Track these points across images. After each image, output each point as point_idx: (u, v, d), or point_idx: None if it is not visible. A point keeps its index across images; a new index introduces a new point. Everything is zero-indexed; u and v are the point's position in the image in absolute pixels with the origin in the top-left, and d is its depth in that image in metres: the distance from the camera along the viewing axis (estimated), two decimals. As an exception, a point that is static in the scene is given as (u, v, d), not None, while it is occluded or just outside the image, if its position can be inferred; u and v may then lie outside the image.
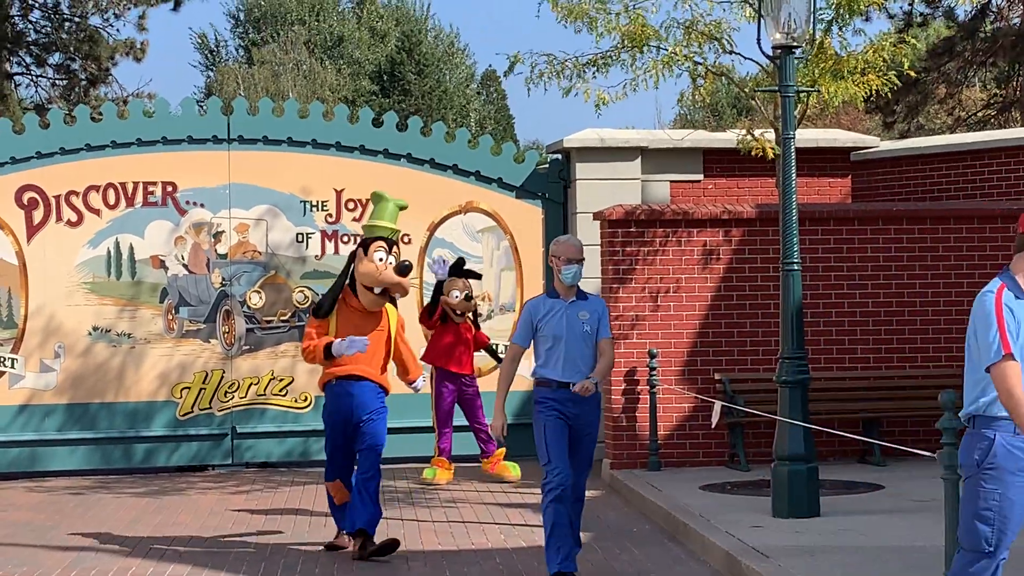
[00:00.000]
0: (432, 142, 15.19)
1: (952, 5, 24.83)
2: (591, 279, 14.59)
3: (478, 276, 13.84)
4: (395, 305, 10.09)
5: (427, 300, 13.91)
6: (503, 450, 13.14)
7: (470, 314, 13.50)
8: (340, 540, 9.95)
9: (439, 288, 13.45)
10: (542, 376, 8.70)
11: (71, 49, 30.84)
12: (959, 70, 25.77)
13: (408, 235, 14.82)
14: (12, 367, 14.41)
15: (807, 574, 8.12)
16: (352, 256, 10.04)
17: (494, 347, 13.81)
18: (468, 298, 13.26)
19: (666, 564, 9.38)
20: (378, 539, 9.71)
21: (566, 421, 8.59)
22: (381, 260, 9.74)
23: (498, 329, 14.71)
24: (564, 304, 8.74)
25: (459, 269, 13.46)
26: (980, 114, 27.53)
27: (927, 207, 14.03)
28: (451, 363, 13.20)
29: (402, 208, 10.24)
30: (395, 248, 9.96)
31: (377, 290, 9.77)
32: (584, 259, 8.86)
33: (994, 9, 25.11)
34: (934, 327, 13.47)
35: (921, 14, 25.31)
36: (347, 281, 9.97)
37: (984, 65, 26.11)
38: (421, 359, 12.57)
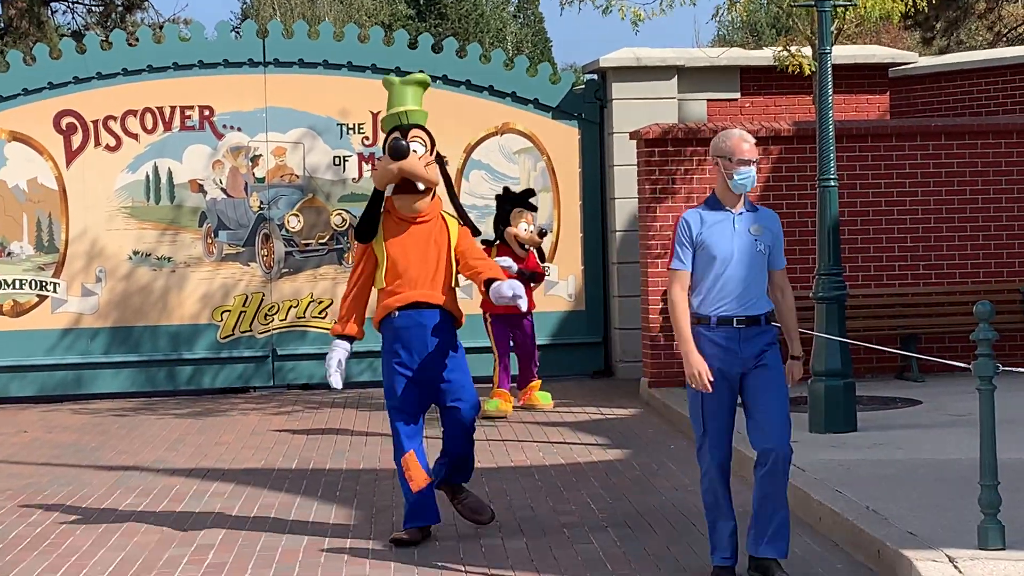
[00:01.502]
0: (468, 64, 15.14)
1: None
2: (629, 199, 14.62)
3: (535, 208, 13.03)
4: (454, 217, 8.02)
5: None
6: (538, 381, 12.90)
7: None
8: (411, 535, 7.73)
9: (502, 219, 12.65)
10: (697, 311, 6.77)
11: (107, -26, 30.79)
12: (1000, -16, 25.43)
13: (445, 156, 14.75)
14: (55, 291, 14.54)
15: (842, 487, 8.15)
16: None
17: (539, 277, 12.89)
18: (542, 233, 13.00)
19: (703, 479, 9.42)
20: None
21: (731, 372, 6.76)
22: None
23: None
24: (731, 215, 6.78)
25: (525, 200, 12.77)
26: (1020, 29, 27.18)
27: (966, 123, 13.92)
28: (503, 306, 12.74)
29: (421, 85, 8.02)
30: (417, 130, 7.80)
31: (389, 189, 7.72)
32: (759, 159, 6.98)
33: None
34: (972, 243, 13.40)
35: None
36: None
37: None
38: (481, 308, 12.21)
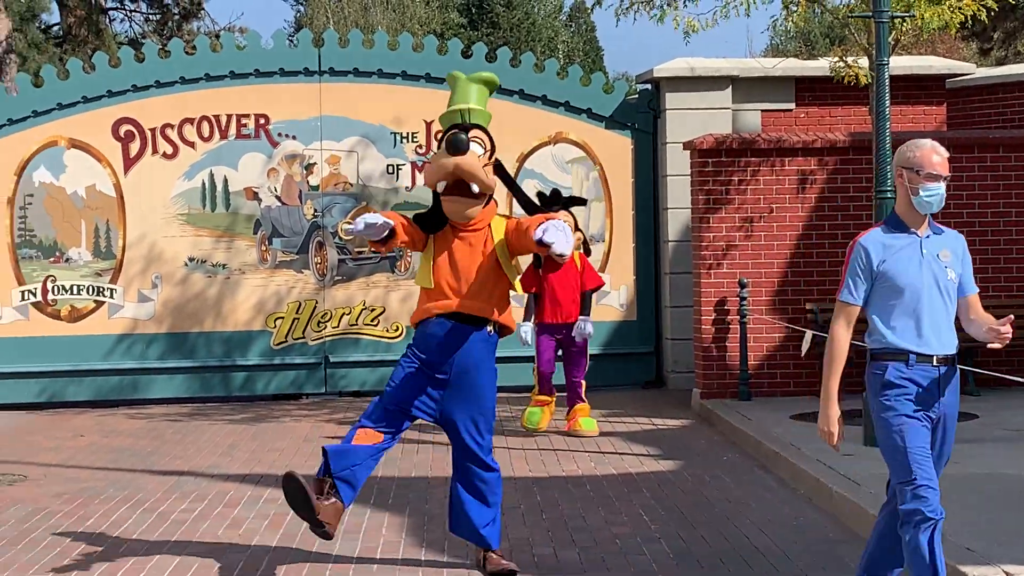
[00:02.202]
0: (521, 73, 15.16)
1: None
2: (682, 209, 14.59)
3: (583, 202, 12.43)
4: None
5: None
6: (584, 406, 11.86)
7: (579, 250, 11.95)
8: (325, 511, 6.94)
9: None
10: (891, 345, 5.99)
11: (164, -17, 31.03)
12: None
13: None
14: (111, 297, 14.66)
15: (898, 501, 8.10)
16: None
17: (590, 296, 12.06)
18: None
19: (757, 492, 9.39)
20: None
21: (929, 415, 5.99)
22: None
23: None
24: (917, 239, 5.96)
25: (557, 200, 11.43)
26: (1079, 40, 26.94)
27: (1024, 134, 13.81)
28: (550, 313, 11.72)
29: (487, 84, 7.32)
30: (476, 130, 7.07)
31: (440, 187, 6.95)
32: (949, 176, 6.08)
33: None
34: (1030, 255, 13.32)
35: (1019, -63, 24.78)
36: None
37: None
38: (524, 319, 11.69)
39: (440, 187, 6.92)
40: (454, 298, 6.96)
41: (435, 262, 7.02)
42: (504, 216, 7.29)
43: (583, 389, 11.93)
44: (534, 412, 11.88)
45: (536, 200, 10.61)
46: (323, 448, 7.09)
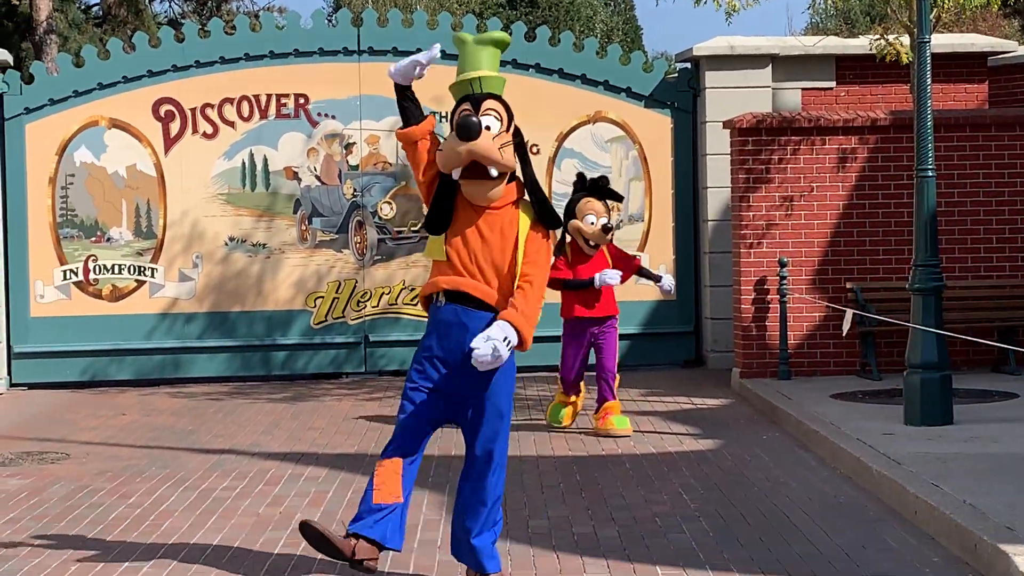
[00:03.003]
0: (560, 52, 15.15)
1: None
2: (721, 188, 14.57)
3: (620, 198, 11.77)
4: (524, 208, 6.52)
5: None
6: (615, 403, 10.94)
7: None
8: (362, 550, 6.44)
9: (569, 209, 10.83)
10: None
11: (203, -36, 31.14)
12: (1102, -28, 25.01)
13: (536, 145, 14.78)
14: (152, 276, 14.74)
15: (938, 480, 8.08)
16: None
17: (645, 270, 11.63)
18: (606, 229, 10.80)
19: (797, 471, 9.38)
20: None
21: None
22: None
23: (626, 240, 14.69)
24: None
25: (597, 187, 10.88)
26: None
27: (1067, 113, 13.71)
28: (580, 307, 10.92)
29: (498, 44, 6.60)
30: (491, 102, 6.45)
31: (456, 173, 6.34)
32: None
33: None
34: (1072, 235, 13.24)
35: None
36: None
37: None
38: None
39: (456, 174, 6.35)
40: (465, 276, 6.37)
41: (451, 236, 6.40)
42: (530, 210, 6.49)
43: (616, 383, 10.99)
44: (557, 407, 11.32)
45: (572, 185, 10.77)
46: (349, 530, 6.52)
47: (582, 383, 11.25)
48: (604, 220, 10.75)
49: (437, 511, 8.33)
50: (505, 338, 6.12)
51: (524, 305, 6.28)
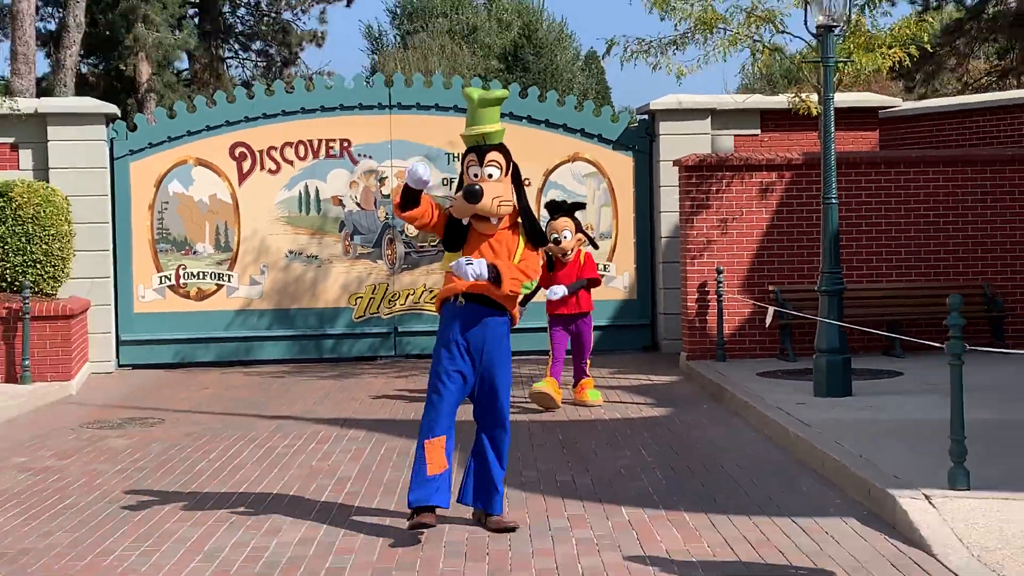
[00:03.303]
0: (546, 107, 15.14)
1: (962, -8, 24.13)
2: (672, 212, 14.55)
3: (582, 205, 10.92)
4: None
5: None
6: (589, 380, 10.80)
7: (584, 248, 10.70)
8: (423, 517, 6.30)
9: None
10: None
11: (268, 38, 31.13)
12: (967, 45, 25.03)
13: (528, 179, 14.76)
14: (229, 281, 14.73)
15: (840, 439, 8.09)
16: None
17: (595, 282, 10.76)
18: (556, 241, 10.33)
19: (731, 433, 9.38)
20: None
21: None
22: (476, 176, 6.38)
23: (597, 253, 14.66)
24: None
25: (557, 208, 10.55)
26: (983, 80, 26.71)
27: (940, 154, 13.70)
28: (561, 307, 10.61)
29: (498, 102, 6.48)
30: (493, 154, 6.40)
31: (466, 220, 6.41)
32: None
33: (996, -5, 24.41)
34: (944, 248, 13.22)
35: (936, 0, 24.66)
36: None
37: (987, 41, 25.39)
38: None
39: (466, 220, 6.38)
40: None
41: (467, 252, 6.37)
42: (523, 231, 6.50)
43: (588, 367, 10.79)
44: (541, 386, 10.61)
45: (548, 211, 10.49)
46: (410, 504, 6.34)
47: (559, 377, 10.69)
48: (557, 235, 10.35)
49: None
50: (470, 263, 6.13)
51: (508, 265, 6.31)
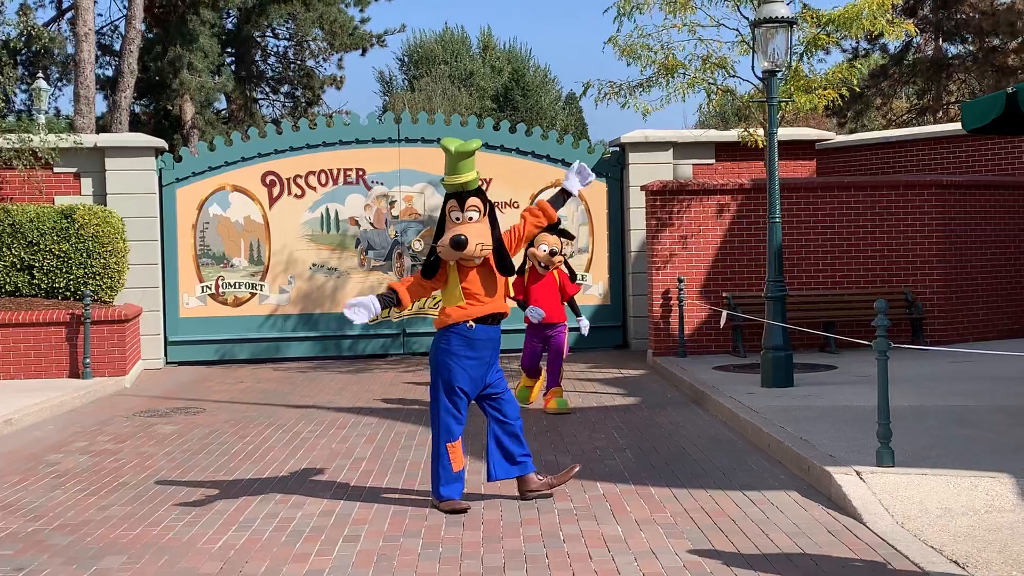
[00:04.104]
0: (532, 140, 15.14)
1: (886, 43, 24.26)
2: (639, 230, 14.55)
3: (571, 237, 9.91)
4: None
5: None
6: (558, 389, 9.71)
7: (561, 265, 9.74)
8: (459, 504, 6.26)
9: (530, 241, 9.46)
10: None
11: (295, 82, 31.09)
12: (890, 86, 25.15)
13: (517, 202, 14.78)
14: (261, 290, 14.70)
15: (784, 424, 8.08)
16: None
17: (575, 306, 9.80)
18: (552, 253, 9.49)
19: (690, 419, 9.37)
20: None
21: None
22: (457, 219, 6.23)
23: (576, 264, 14.71)
24: None
25: (554, 228, 9.23)
26: (905, 117, 26.81)
27: (869, 180, 13.73)
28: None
29: (472, 154, 6.32)
30: (472, 199, 6.24)
31: (452, 261, 6.25)
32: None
33: (914, 45, 24.53)
34: (871, 260, 13.24)
35: (864, 48, 24.78)
36: None
37: (907, 83, 25.49)
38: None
39: (452, 261, 6.22)
40: (487, 302, 6.26)
41: (464, 286, 6.23)
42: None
43: (561, 376, 9.78)
44: (524, 390, 9.99)
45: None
46: (440, 502, 6.27)
47: (541, 367, 10.07)
48: (548, 247, 9.45)
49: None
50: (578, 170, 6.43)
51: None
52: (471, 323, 6.25)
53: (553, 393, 9.73)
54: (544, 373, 10.09)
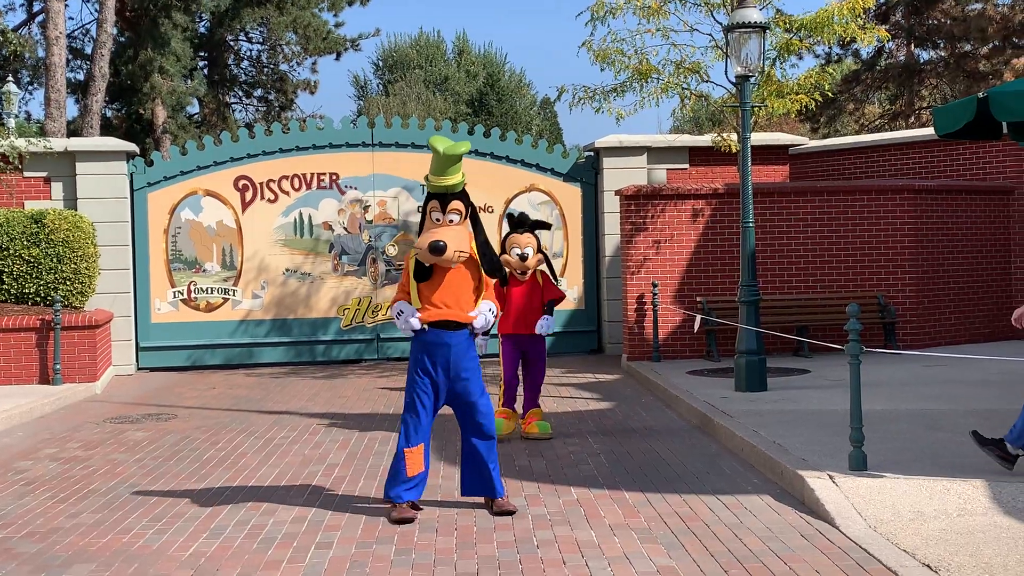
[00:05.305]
0: (507, 145, 15.14)
1: (858, 48, 24.40)
2: (614, 235, 14.58)
3: (547, 226, 8.72)
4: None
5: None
6: (538, 410, 8.68)
7: (541, 268, 8.64)
8: (406, 512, 6.14)
9: (502, 247, 8.56)
10: None
11: (268, 86, 30.97)
12: (863, 92, 25.34)
13: (492, 206, 14.78)
14: (234, 295, 14.61)
15: (757, 428, 8.11)
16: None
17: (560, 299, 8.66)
18: (523, 257, 8.41)
19: (664, 422, 9.38)
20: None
21: None
22: (438, 220, 6.14)
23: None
24: None
25: (524, 222, 8.53)
26: (877, 122, 27.02)
27: (840, 184, 13.81)
28: (515, 326, 8.52)
29: (457, 159, 6.08)
30: (455, 203, 6.14)
31: (427, 264, 6.18)
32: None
33: (886, 50, 24.73)
34: (844, 264, 13.32)
35: (837, 54, 24.94)
36: None
37: (879, 88, 25.68)
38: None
39: (428, 264, 6.16)
40: (443, 308, 6.17)
41: (421, 290, 6.20)
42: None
43: (539, 395, 8.76)
44: (498, 422, 8.54)
45: (507, 226, 8.75)
46: (390, 498, 6.20)
47: (513, 405, 8.75)
48: (520, 250, 8.42)
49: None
50: (490, 308, 6.29)
51: (491, 296, 6.34)
52: (425, 326, 6.17)
53: (532, 416, 8.67)
54: (521, 400, 9.01)
